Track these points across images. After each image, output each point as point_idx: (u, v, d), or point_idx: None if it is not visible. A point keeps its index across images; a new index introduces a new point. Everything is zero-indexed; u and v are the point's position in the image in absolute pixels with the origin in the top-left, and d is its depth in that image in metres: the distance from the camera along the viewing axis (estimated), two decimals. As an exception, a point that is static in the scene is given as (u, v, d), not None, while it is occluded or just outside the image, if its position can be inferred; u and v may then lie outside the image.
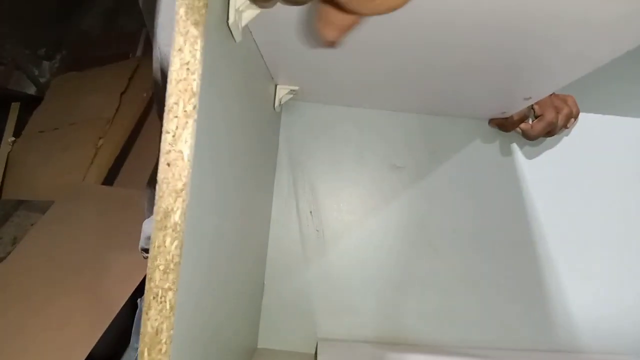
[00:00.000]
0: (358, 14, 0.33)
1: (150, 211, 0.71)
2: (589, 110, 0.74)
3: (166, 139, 0.31)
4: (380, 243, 0.71)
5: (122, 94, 2.04)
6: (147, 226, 0.70)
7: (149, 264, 0.31)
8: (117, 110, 2.02)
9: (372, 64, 0.53)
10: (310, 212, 0.70)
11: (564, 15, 0.37)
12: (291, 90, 0.63)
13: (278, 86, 0.62)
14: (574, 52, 0.45)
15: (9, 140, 2.19)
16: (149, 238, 0.69)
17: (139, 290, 0.72)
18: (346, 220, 0.71)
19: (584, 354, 0.71)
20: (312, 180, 0.70)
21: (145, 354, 0.31)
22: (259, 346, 0.68)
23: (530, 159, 0.74)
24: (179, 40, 0.31)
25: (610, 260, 0.73)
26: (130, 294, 1.30)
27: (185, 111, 0.31)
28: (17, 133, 2.23)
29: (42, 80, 2.46)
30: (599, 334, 0.72)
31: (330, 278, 0.70)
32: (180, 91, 0.31)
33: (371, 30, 0.43)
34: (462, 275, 0.71)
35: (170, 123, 0.31)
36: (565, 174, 0.74)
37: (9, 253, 1.64)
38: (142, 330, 0.31)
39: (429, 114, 0.72)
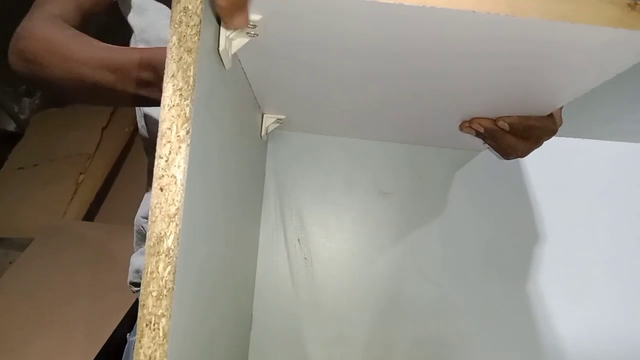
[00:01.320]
0: None
1: (138, 245, 0.70)
2: (576, 135, 0.76)
3: (159, 164, 0.31)
4: (370, 270, 0.71)
5: (103, 129, 2.03)
6: (136, 259, 0.69)
7: (141, 291, 0.31)
8: (98, 145, 2.00)
9: (358, 95, 0.54)
10: (298, 240, 0.70)
11: (550, 42, 0.39)
12: (278, 119, 0.63)
13: (265, 115, 0.63)
14: (560, 79, 0.47)
15: (-12, 177, 2.15)
16: (137, 271, 0.68)
17: (129, 326, 0.71)
18: (335, 248, 0.71)
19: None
20: (299, 209, 0.71)
21: (139, 382, 0.30)
22: (248, 379, 0.67)
23: (517, 185, 0.75)
24: (172, 67, 0.32)
25: (600, 285, 0.74)
26: (112, 331, 1.27)
27: (178, 136, 0.31)
28: (-5, 170, 2.20)
29: (22, 117, 2.44)
30: (587, 359, 0.72)
31: (319, 307, 0.69)
32: (173, 116, 0.31)
33: (358, 60, 0.44)
34: (452, 301, 0.71)
35: (163, 148, 0.31)
36: (553, 199, 0.75)
37: (-14, 292, 1.59)
38: (134, 358, 0.30)
39: (416, 143, 0.73)
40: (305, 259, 0.70)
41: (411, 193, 0.73)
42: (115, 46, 0.55)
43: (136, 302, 1.28)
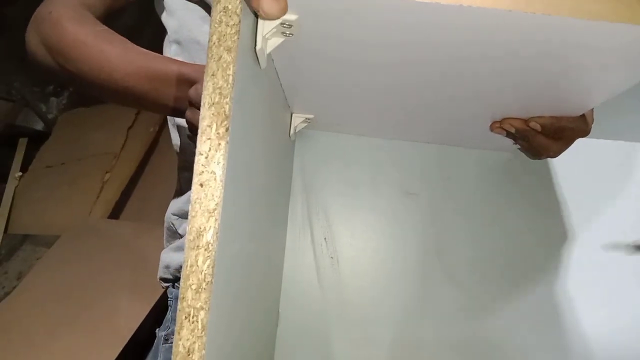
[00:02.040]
0: None
1: (168, 241, 0.71)
2: (607, 136, 0.76)
3: (199, 160, 0.32)
4: (396, 271, 0.71)
5: (129, 128, 2.06)
6: (165, 255, 0.70)
7: (181, 284, 0.31)
8: (123, 144, 2.03)
9: (388, 95, 0.54)
10: (325, 239, 0.70)
11: (584, 41, 0.39)
12: (306, 118, 0.64)
13: (293, 114, 0.63)
14: (593, 79, 0.46)
15: (16, 175, 2.20)
16: (167, 267, 0.69)
17: (157, 321, 0.72)
18: (361, 247, 0.71)
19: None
20: (326, 208, 0.71)
21: (178, 374, 0.31)
22: (274, 376, 0.68)
23: (546, 186, 0.74)
24: (212, 65, 0.32)
25: (631, 287, 0.73)
26: (137, 327, 1.29)
27: (218, 133, 0.32)
28: (24, 169, 2.25)
29: (49, 116, 2.49)
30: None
31: (345, 306, 0.69)
32: (213, 114, 0.32)
33: (390, 59, 0.45)
34: (478, 303, 0.71)
35: (203, 145, 0.32)
36: (582, 200, 0.74)
37: (14, 287, 1.63)
38: (173, 350, 0.31)
39: (444, 144, 0.73)
40: (332, 258, 0.70)
41: (438, 193, 0.72)
42: (151, 52, 0.55)
43: (162, 298, 1.30)
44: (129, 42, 0.56)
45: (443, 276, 0.71)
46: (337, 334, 0.69)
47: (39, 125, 2.47)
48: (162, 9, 0.68)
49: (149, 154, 2.03)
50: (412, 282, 0.71)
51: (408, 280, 0.71)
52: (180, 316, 0.31)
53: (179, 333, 0.31)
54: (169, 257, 0.69)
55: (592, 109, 0.57)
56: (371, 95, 0.55)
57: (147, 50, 0.55)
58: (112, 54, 0.53)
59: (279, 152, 0.59)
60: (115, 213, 1.90)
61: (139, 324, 1.30)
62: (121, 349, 1.27)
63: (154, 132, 2.04)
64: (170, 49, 0.69)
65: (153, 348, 0.69)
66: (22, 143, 2.34)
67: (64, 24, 0.56)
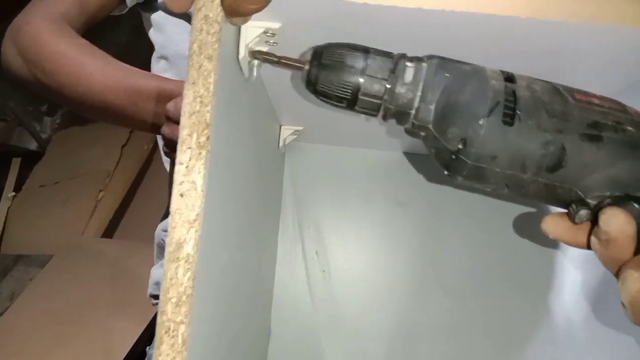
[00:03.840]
0: None
1: (158, 257, 0.71)
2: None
3: (179, 170, 0.31)
4: (389, 283, 0.70)
5: (122, 146, 2.06)
6: (155, 272, 0.69)
7: (161, 297, 0.30)
8: (117, 163, 2.03)
9: None
10: (317, 252, 0.69)
11: (572, 44, 0.38)
12: (295, 130, 0.63)
13: (282, 126, 0.63)
14: (580, 82, 0.46)
15: (9, 195, 2.19)
16: (157, 284, 0.68)
17: (149, 339, 0.71)
18: (353, 260, 0.70)
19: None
20: (317, 221, 0.70)
21: (158, 391, 0.30)
22: (266, 394, 0.66)
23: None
24: (192, 74, 0.32)
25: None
26: (131, 346, 1.28)
27: (198, 142, 0.31)
28: (17, 188, 2.23)
29: (43, 136, 2.48)
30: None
31: (338, 321, 0.68)
32: (194, 123, 0.31)
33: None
34: (475, 318, 0.70)
35: (183, 154, 0.31)
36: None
37: (7, 308, 1.61)
38: (153, 366, 0.30)
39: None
40: (324, 271, 0.69)
41: (431, 204, 0.72)
42: (132, 67, 0.54)
43: (155, 316, 1.29)
44: (109, 56, 0.55)
45: (437, 287, 0.70)
46: (330, 349, 0.68)
47: (33, 145, 2.47)
48: (150, 25, 0.68)
49: (143, 172, 2.03)
50: (405, 294, 0.69)
51: (402, 293, 0.70)
52: (160, 331, 0.30)
53: (158, 348, 0.30)
54: (158, 273, 0.68)
55: None
56: None
57: (128, 65, 0.54)
58: (91, 67, 0.52)
59: (267, 164, 0.58)
60: (109, 231, 1.89)
61: (132, 342, 1.29)
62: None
63: (147, 149, 2.03)
64: (158, 65, 0.68)
65: (144, 367, 0.68)
66: (16, 163, 2.34)
67: (42, 36, 0.55)
